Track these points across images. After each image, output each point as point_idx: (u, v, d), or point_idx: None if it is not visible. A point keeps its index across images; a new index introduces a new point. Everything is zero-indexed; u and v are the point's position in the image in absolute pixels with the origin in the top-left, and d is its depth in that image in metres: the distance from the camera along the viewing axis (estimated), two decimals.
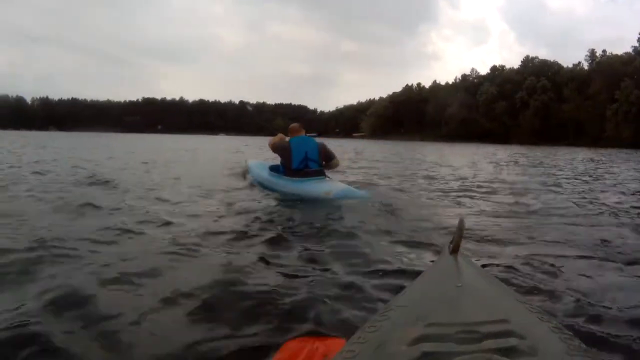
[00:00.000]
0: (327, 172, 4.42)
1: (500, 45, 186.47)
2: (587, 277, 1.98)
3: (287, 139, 4.50)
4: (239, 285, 1.77)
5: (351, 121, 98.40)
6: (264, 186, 4.71)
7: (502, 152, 23.18)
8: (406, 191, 5.14)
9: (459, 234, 0.93)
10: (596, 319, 1.53)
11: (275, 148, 4.53)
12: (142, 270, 1.91)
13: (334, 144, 6.57)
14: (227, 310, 1.57)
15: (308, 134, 4.62)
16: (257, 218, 3.12)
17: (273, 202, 3.91)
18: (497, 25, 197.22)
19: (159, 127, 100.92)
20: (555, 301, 1.66)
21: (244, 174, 5.73)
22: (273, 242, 2.47)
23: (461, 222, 0.93)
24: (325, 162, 4.44)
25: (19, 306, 1.51)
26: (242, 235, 2.62)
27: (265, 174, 4.83)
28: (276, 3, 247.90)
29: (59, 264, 2.00)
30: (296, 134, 4.49)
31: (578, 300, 1.66)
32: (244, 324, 1.47)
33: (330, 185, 4.11)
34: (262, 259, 2.14)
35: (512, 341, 0.64)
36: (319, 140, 4.50)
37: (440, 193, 5.08)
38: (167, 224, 2.92)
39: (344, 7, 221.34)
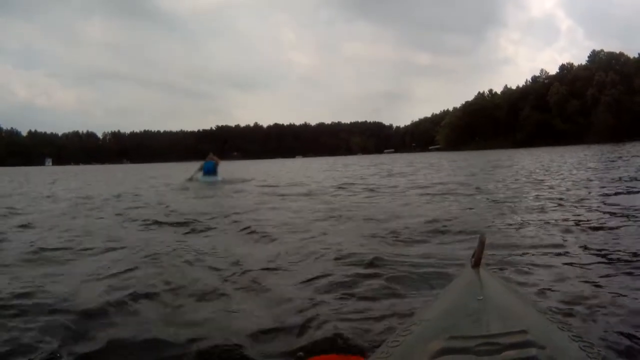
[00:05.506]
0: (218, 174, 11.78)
1: (569, 42, 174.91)
2: (618, 288, 1.97)
3: (203, 161, 11.95)
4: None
5: (426, 134, 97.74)
6: (200, 180, 11.64)
7: (565, 156, 20.56)
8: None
9: (480, 248, 0.95)
10: (616, 326, 1.54)
11: (199, 166, 11.98)
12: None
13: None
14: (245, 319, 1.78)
15: (212, 158, 11.92)
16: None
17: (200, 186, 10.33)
18: (563, 22, 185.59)
19: (235, 153, 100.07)
20: (577, 310, 1.70)
21: (193, 177, 12.15)
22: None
23: (482, 236, 0.95)
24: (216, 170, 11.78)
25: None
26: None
27: (199, 176, 11.84)
28: (345, 22, 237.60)
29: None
30: (208, 158, 11.92)
31: (599, 308, 1.71)
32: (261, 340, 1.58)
33: (216, 177, 11.54)
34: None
35: (531, 351, 0.64)
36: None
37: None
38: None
39: (412, 19, 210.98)
